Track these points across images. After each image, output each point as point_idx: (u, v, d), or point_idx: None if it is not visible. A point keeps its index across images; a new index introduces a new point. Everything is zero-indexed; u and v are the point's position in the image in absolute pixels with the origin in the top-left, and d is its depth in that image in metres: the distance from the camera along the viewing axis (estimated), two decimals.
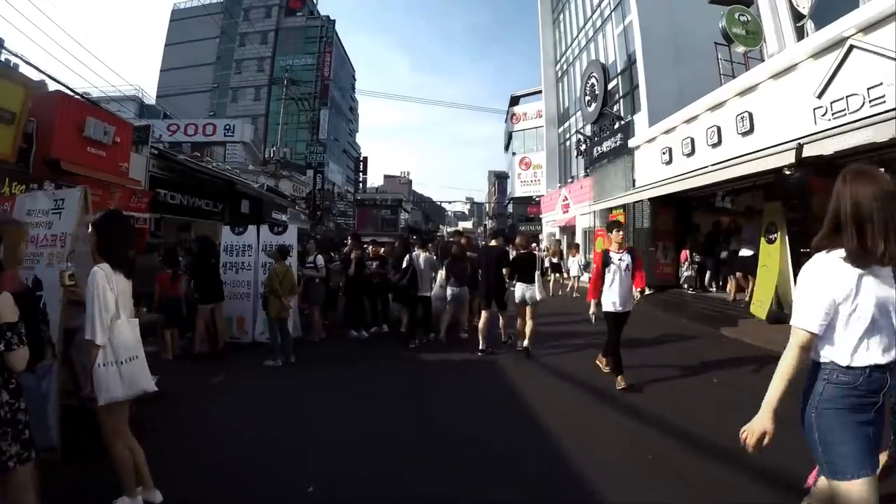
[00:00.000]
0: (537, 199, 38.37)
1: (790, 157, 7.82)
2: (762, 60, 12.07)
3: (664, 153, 14.63)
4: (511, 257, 8.70)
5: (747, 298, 10.76)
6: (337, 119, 62.20)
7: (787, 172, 8.75)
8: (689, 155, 13.37)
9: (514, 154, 48.52)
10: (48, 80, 11.04)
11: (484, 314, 8.71)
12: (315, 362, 7.99)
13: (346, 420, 5.38)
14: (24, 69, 11.33)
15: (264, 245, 9.17)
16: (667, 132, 14.68)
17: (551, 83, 34.28)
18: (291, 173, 39.38)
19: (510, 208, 53.77)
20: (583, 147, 25.89)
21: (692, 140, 13.23)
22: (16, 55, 13.75)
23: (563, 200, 27.01)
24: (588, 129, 24.42)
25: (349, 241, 10.59)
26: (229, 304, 8.93)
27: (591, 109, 24.93)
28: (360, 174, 70.46)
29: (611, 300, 6.44)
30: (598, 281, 6.62)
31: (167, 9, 67.82)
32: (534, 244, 14.20)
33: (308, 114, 52.95)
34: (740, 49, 12.77)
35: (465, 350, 8.75)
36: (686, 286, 14.14)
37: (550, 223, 30.21)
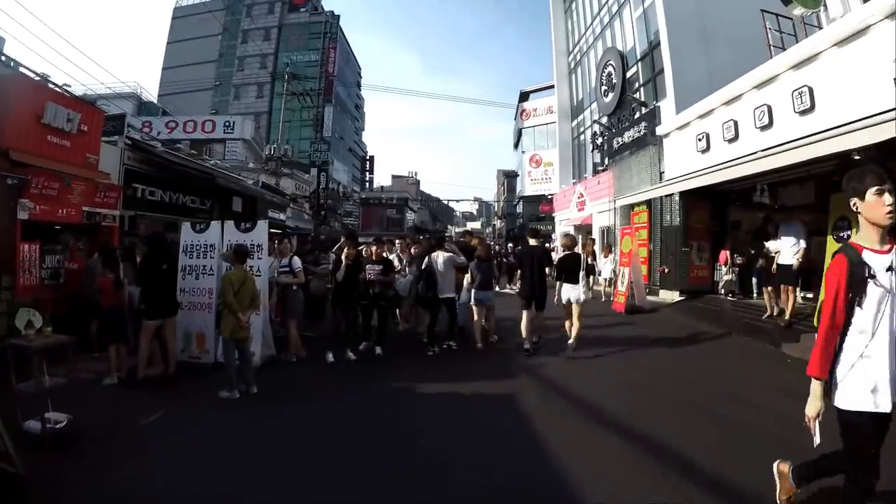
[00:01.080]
0: (550, 196, 36.67)
1: (890, 131, 6.12)
2: (819, 28, 10.40)
3: (700, 140, 12.93)
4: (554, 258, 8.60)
5: (787, 314, 9.21)
6: (342, 117, 60.91)
7: (857, 157, 7.16)
8: (731, 140, 11.67)
9: (523, 152, 47.11)
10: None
11: (525, 315, 8.37)
12: (285, 392, 6.44)
13: (316, 483, 3.87)
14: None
15: (228, 244, 7.50)
16: (702, 116, 12.98)
17: (564, 75, 32.60)
18: (293, 171, 37.95)
19: (520, 207, 52.25)
20: (599, 140, 24.24)
21: (735, 123, 11.53)
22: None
23: (579, 198, 25.29)
24: (605, 121, 22.81)
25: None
26: (188, 316, 7.41)
27: (607, 100, 23.37)
28: (367, 173, 68.95)
29: (871, 381, 2.59)
30: (834, 333, 2.69)
31: (170, 6, 66.95)
32: (547, 243, 12.89)
33: (311, 111, 51.87)
34: (798, 11, 11.02)
35: (489, 364, 7.91)
36: (724, 292, 12.45)
37: (564, 222, 28.42)
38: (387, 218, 50.17)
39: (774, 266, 9.36)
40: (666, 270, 14.45)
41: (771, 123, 10.33)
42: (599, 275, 15.44)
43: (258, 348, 7.07)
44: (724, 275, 12.29)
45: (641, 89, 20.51)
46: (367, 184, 66.19)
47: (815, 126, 8.93)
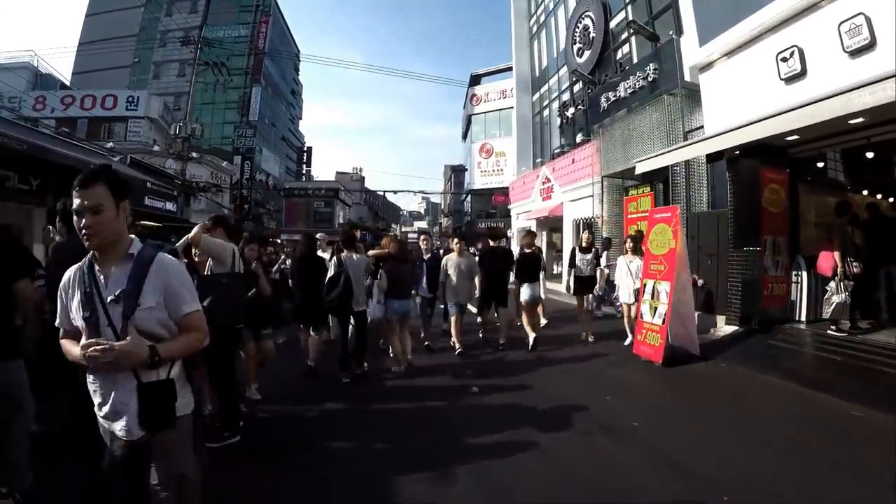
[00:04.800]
0: (504, 188, 31.61)
1: None
2: None
3: (786, 59, 7.56)
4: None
5: None
6: (274, 101, 54.16)
7: None
8: (858, 51, 6.37)
9: (473, 141, 42.46)
10: None
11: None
12: None
13: None
14: None
15: None
16: (787, 22, 7.65)
17: (524, 42, 27.31)
18: (203, 157, 31.83)
19: (468, 203, 46.81)
20: (570, 111, 19.16)
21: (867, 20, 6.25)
22: None
23: (544, 183, 19.89)
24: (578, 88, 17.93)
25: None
26: None
27: (582, 59, 18.76)
28: (304, 166, 62.74)
29: None
30: None
31: None
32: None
33: (238, 92, 45.79)
34: None
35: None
36: (830, 321, 7.20)
37: (523, 215, 22.92)
38: (314, 212, 43.78)
39: None
40: (700, 282, 9.21)
41: None
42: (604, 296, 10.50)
43: None
44: (833, 294, 6.98)
45: (632, 39, 15.56)
46: (305, 177, 59.72)
47: None
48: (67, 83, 37.93)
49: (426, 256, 8.74)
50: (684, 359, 7.08)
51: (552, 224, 19.89)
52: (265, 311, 5.46)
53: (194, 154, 27.63)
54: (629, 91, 12.79)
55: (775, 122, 6.56)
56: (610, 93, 13.65)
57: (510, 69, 39.38)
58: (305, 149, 65.64)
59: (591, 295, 9.08)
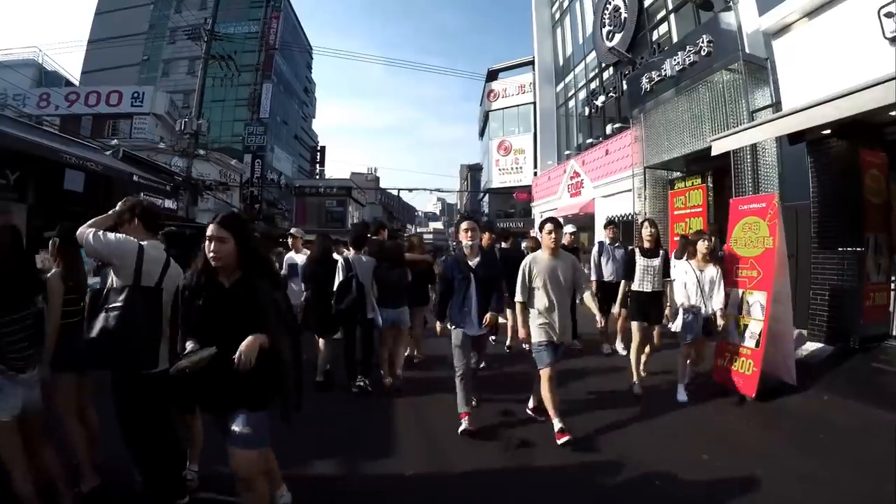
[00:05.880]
0: (523, 187, 30.12)
1: None
2: None
3: (894, 13, 6.01)
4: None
5: None
6: (286, 98, 53.05)
7: None
8: None
9: (490, 139, 40.68)
10: None
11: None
12: None
13: None
14: None
15: None
16: None
17: (546, 30, 25.68)
18: (210, 154, 30.76)
19: (486, 203, 45.21)
20: (601, 99, 17.68)
21: None
22: None
23: (572, 178, 18.30)
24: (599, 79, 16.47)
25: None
26: None
27: (613, 43, 17.17)
28: (317, 165, 61.18)
29: None
30: None
31: None
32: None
33: (248, 89, 44.76)
34: None
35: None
36: None
37: (548, 214, 21.26)
38: (326, 211, 42.33)
39: None
40: None
41: None
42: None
43: None
44: None
45: (672, 17, 14.09)
46: (318, 177, 58.46)
47: None
48: (72, 80, 37.36)
49: (473, 261, 4.83)
50: (778, 389, 5.51)
51: (581, 223, 18.34)
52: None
53: (201, 151, 26.64)
54: (677, 69, 11.17)
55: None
56: (653, 72, 12.03)
57: (528, 63, 38.11)
58: (319, 148, 64.04)
59: (657, 327, 6.11)
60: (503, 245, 8.60)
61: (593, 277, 7.86)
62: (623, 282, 6.31)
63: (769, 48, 8.61)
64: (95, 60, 48.93)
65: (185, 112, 35.27)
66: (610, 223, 8.41)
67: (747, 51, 9.39)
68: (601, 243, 8.23)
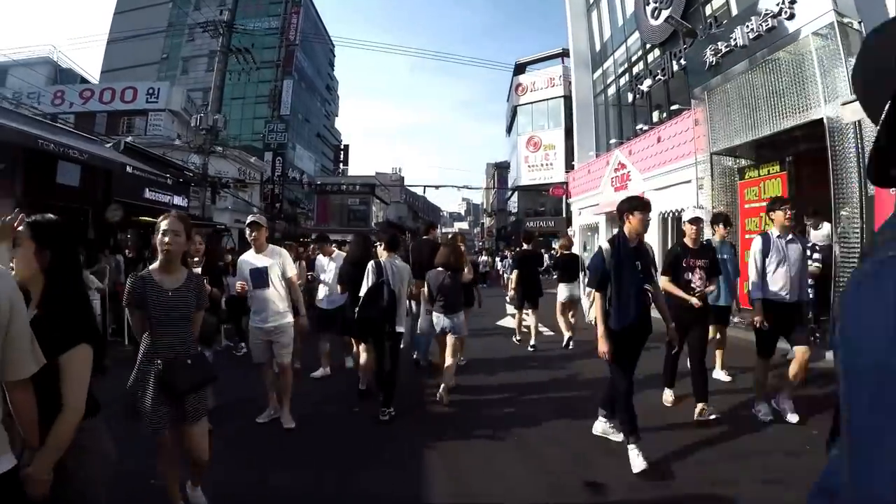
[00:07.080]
0: (555, 184, 28.32)
1: None
2: None
3: None
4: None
5: None
6: (308, 96, 52.16)
7: None
8: None
9: (519, 134, 39.64)
10: None
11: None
12: None
13: None
14: None
15: None
16: None
17: (580, 13, 23.78)
18: (227, 150, 30.01)
19: (514, 202, 43.66)
20: (646, 84, 15.86)
21: None
22: None
23: (617, 170, 16.37)
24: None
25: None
26: None
27: (659, 21, 15.66)
28: (340, 164, 60.54)
29: None
30: None
31: None
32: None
33: (267, 86, 43.69)
34: None
35: None
36: None
37: (588, 210, 19.21)
38: (349, 210, 41.16)
39: None
40: None
41: None
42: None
43: None
44: None
45: None
46: (341, 175, 57.54)
47: None
48: (87, 77, 36.95)
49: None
50: None
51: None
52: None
53: (218, 148, 25.63)
54: (750, 37, 9.29)
55: None
56: (720, 43, 10.16)
57: (558, 55, 36.66)
58: (343, 146, 63.60)
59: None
60: (525, 247, 8.90)
61: (756, 295, 4.76)
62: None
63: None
64: (115, 59, 48.93)
65: (203, 109, 34.45)
66: (718, 218, 6.27)
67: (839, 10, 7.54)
68: (766, 235, 4.91)
